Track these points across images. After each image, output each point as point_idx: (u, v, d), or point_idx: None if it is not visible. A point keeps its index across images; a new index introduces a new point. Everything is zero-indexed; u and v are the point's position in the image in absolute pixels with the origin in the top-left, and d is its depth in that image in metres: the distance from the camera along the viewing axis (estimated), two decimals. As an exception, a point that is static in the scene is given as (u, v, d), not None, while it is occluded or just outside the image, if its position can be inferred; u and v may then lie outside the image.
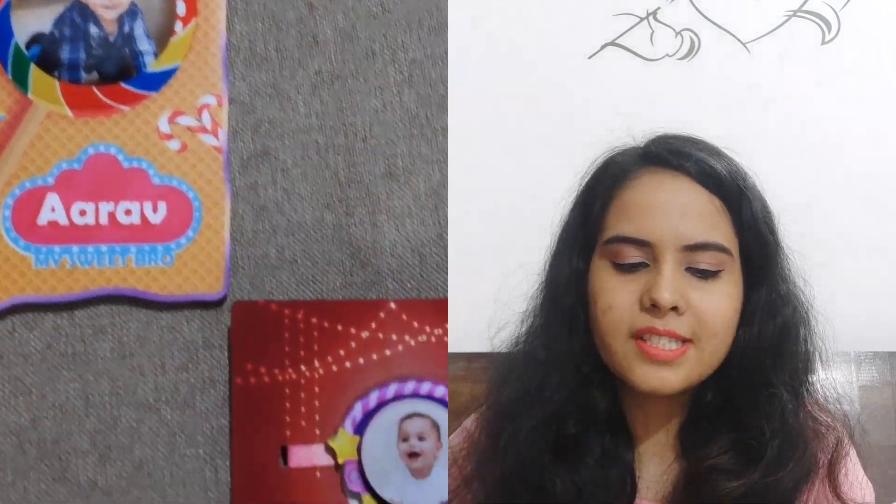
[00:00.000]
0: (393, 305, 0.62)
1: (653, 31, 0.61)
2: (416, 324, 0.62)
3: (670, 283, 0.51)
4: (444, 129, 0.67)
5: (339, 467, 0.60)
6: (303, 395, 0.60)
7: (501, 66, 0.62)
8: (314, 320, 0.61)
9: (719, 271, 0.52)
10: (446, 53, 0.67)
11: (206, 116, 0.64)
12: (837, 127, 0.61)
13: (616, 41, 0.61)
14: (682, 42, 0.61)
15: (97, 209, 0.62)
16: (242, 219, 0.65)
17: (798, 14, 0.61)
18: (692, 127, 0.54)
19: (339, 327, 0.61)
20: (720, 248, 0.52)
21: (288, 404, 0.60)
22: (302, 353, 0.61)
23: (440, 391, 0.61)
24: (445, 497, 0.59)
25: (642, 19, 0.61)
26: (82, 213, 0.62)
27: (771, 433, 0.52)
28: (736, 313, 0.53)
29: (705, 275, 0.52)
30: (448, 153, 0.64)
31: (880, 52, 0.62)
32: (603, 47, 0.61)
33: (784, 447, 0.52)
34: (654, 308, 0.51)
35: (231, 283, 0.64)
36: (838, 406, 0.56)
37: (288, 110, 0.66)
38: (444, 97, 0.67)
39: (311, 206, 0.65)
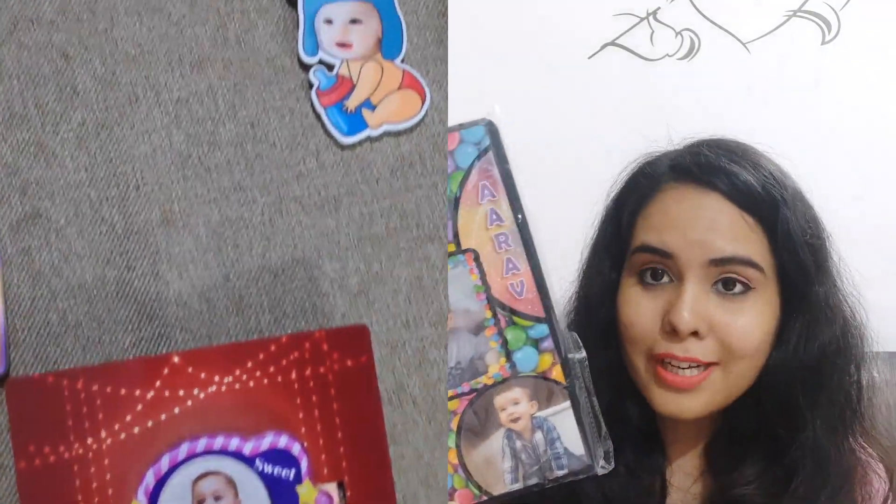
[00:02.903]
0: (176, 359, 0.54)
1: (653, 31, 0.58)
2: (203, 375, 0.54)
3: (691, 304, 0.46)
4: (217, 167, 0.59)
5: (137, 540, 0.52)
6: (92, 469, 0.53)
7: (501, 65, 0.59)
8: (95, 387, 0.53)
9: (749, 289, 0.46)
10: (210, 89, 0.59)
11: (-38, 187, 0.56)
12: (837, 126, 0.59)
13: (616, 41, 0.59)
14: (682, 42, 0.59)
15: None
16: (18, 287, 0.57)
17: (798, 14, 0.59)
18: (691, 125, 0.51)
19: (123, 391, 0.53)
20: (749, 263, 0.46)
21: (78, 482, 0.52)
22: (86, 424, 0.53)
23: (235, 443, 0.53)
24: (248, 556, 0.51)
25: (642, 19, 0.58)
26: None
27: (802, 467, 0.47)
28: (768, 335, 0.47)
29: (733, 293, 0.46)
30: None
31: (880, 52, 0.59)
32: (603, 47, 0.58)
33: (816, 483, 0.47)
34: (674, 332, 0.46)
35: (11, 358, 0.55)
36: (890, 441, 0.51)
37: (55, 167, 0.58)
38: (214, 133, 0.59)
39: (91, 265, 0.57)
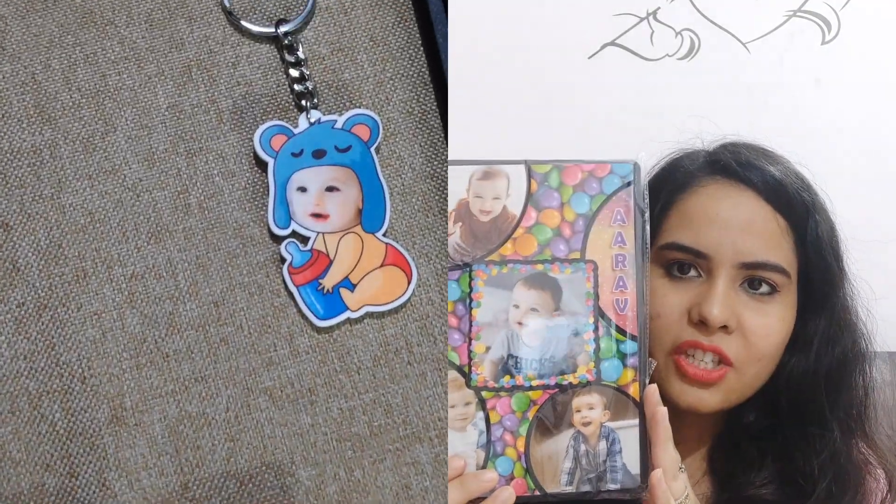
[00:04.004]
0: None
1: (653, 31, 0.57)
2: None
3: (722, 300, 0.47)
4: (176, 353, 0.51)
5: None
6: None
7: (501, 65, 0.56)
8: None
9: (775, 292, 0.48)
10: (169, 263, 0.51)
11: None
12: (837, 127, 0.57)
13: (616, 41, 0.57)
14: (682, 42, 0.57)
15: None
16: (-59, 503, 0.48)
17: (798, 14, 0.57)
18: (691, 125, 0.52)
19: None
20: (779, 270, 0.48)
21: None
22: None
23: None
24: None
25: (642, 19, 0.57)
26: None
27: (820, 472, 0.48)
28: (786, 338, 0.48)
29: (760, 293, 0.47)
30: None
31: (880, 52, 0.57)
32: (603, 47, 0.57)
33: (834, 488, 0.48)
34: (701, 324, 0.47)
35: (-69, 590, 0.46)
36: (890, 444, 0.52)
37: (-10, 356, 0.50)
38: (172, 314, 0.51)
39: (28, 472, 0.49)
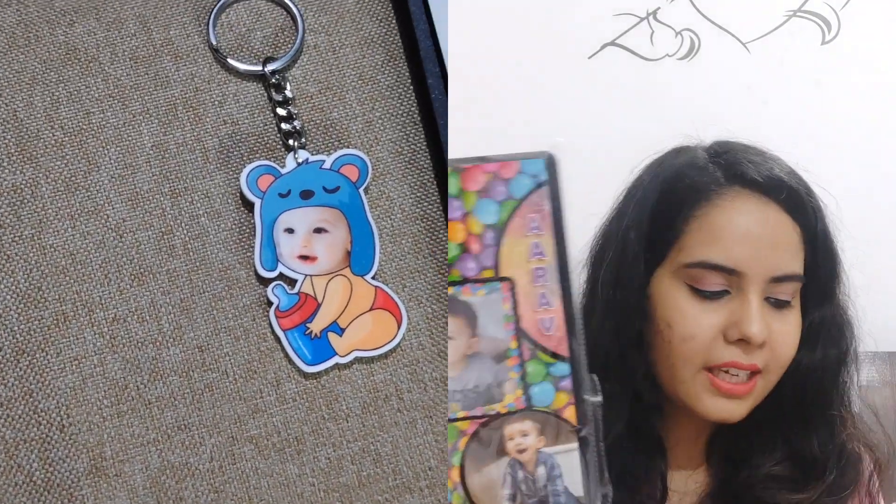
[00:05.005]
0: None
1: (653, 31, 0.57)
2: None
3: (760, 317, 0.46)
4: (159, 400, 0.49)
5: None
6: None
7: (501, 66, 0.56)
8: None
9: (791, 300, 0.48)
10: (152, 306, 0.49)
11: None
12: (837, 127, 0.57)
13: (616, 41, 0.56)
14: (682, 42, 0.57)
15: None
16: (-89, 558, 0.45)
17: (798, 14, 0.57)
18: (691, 125, 0.51)
19: None
20: (799, 279, 0.48)
21: None
22: None
23: None
24: None
25: (642, 19, 0.57)
26: None
27: (824, 453, 0.49)
28: (798, 339, 0.49)
29: (781, 304, 0.47)
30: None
31: (880, 52, 0.57)
32: (603, 47, 0.56)
33: (843, 469, 0.49)
34: (741, 342, 0.46)
35: None
36: (874, 429, 0.52)
37: (-35, 403, 0.48)
38: (155, 360, 0.49)
39: (3, 525, 0.46)
